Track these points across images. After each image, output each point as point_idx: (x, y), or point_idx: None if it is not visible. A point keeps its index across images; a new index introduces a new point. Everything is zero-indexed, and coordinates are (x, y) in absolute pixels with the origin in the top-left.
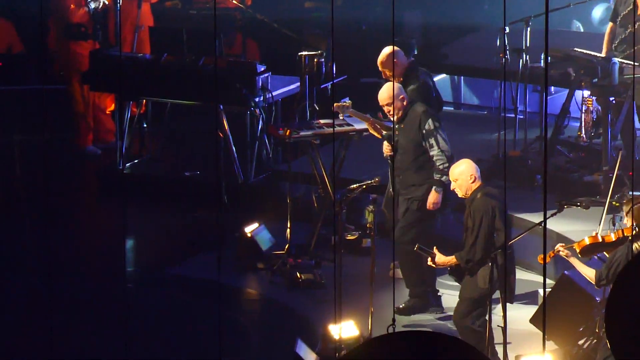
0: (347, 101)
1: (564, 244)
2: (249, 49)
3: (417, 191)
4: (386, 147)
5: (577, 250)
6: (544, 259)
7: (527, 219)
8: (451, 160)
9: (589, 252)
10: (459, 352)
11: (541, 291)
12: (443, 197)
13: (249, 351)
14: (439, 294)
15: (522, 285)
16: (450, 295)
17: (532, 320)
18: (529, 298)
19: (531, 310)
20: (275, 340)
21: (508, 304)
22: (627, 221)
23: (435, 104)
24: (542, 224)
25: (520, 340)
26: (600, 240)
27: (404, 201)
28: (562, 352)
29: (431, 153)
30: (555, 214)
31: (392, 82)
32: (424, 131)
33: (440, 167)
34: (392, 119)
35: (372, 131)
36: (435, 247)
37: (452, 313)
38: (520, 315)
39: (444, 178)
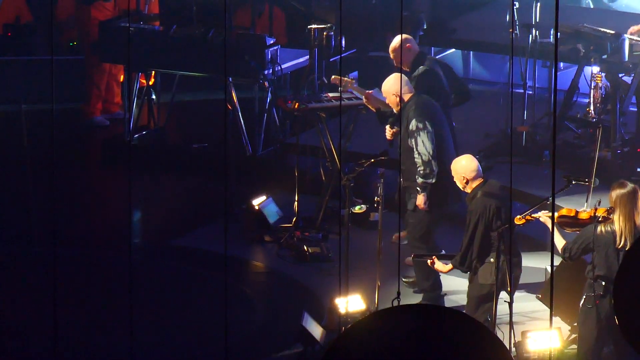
0: (351, 78)
1: (547, 211)
2: (277, 17)
3: (416, 185)
4: (388, 131)
5: (555, 219)
6: (552, 218)
7: (535, 194)
8: (429, 164)
9: (564, 224)
10: (462, 324)
11: (548, 268)
12: (443, 195)
13: (255, 324)
14: (442, 293)
15: (529, 262)
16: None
17: (539, 296)
18: (535, 275)
19: (537, 286)
20: (282, 313)
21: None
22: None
23: (444, 93)
24: (550, 200)
25: (526, 317)
26: (574, 214)
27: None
28: (568, 328)
29: (414, 153)
30: (562, 189)
31: (394, 74)
32: (408, 130)
33: (419, 169)
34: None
35: (367, 102)
36: (435, 257)
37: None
38: (526, 291)
39: (420, 180)
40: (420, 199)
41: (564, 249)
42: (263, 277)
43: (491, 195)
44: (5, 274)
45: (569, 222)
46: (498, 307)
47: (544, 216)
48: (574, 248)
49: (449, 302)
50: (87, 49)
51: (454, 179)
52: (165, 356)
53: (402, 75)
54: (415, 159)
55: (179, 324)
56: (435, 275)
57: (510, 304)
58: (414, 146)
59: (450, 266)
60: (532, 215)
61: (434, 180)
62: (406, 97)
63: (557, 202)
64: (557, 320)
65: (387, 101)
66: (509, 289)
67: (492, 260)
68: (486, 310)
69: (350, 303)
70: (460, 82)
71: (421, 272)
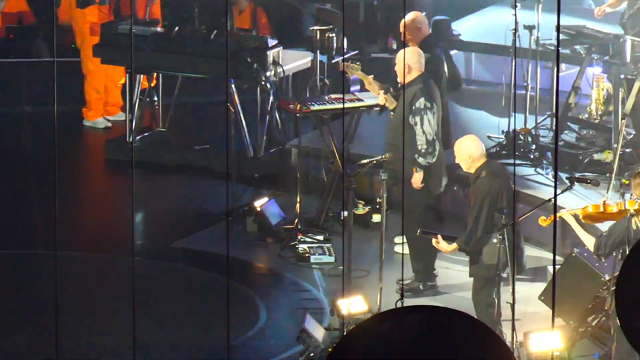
0: (357, 64)
1: (570, 209)
2: (259, 18)
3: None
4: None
5: (581, 217)
6: (554, 220)
7: (537, 195)
8: (432, 143)
9: (591, 220)
10: (467, 325)
11: (550, 268)
12: (434, 177)
13: (258, 325)
14: (434, 272)
15: (531, 262)
16: (459, 272)
17: (542, 297)
18: (538, 275)
19: (540, 287)
20: (284, 315)
21: (517, 281)
22: (635, 194)
23: (445, 81)
24: (552, 201)
25: (529, 317)
26: (602, 209)
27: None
28: (570, 328)
29: (415, 130)
30: (565, 190)
31: (414, 47)
32: (413, 107)
33: (419, 147)
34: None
35: (369, 87)
36: (440, 235)
37: (448, 291)
38: (529, 292)
39: (420, 159)
40: (417, 177)
41: (598, 246)
42: (265, 279)
43: (496, 174)
44: (7, 276)
45: (597, 217)
46: (501, 295)
47: (567, 214)
48: (609, 244)
49: (452, 298)
50: (83, 52)
51: (457, 160)
52: (167, 357)
53: (419, 50)
54: (418, 137)
55: (181, 325)
56: (428, 257)
57: (513, 305)
58: (419, 124)
59: (454, 246)
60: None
61: (434, 160)
62: (415, 72)
63: (561, 204)
64: (559, 321)
65: (396, 68)
66: (513, 275)
67: (495, 240)
68: (491, 290)
69: (353, 304)
70: (456, 70)
71: (415, 253)
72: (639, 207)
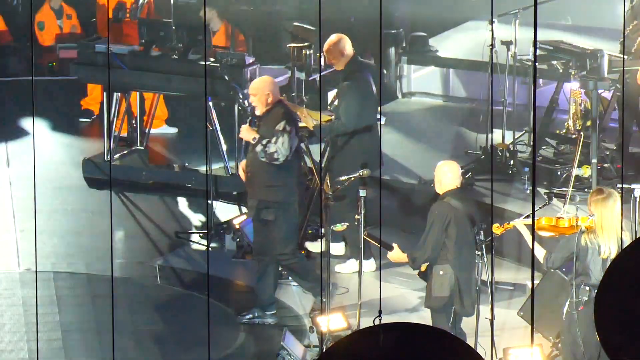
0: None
1: (523, 219)
2: (235, 38)
3: (270, 194)
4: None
5: (536, 226)
6: (534, 237)
7: (515, 210)
8: (279, 163)
9: (542, 229)
10: (445, 343)
11: (529, 284)
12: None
13: (237, 343)
14: (273, 312)
15: (509, 278)
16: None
17: (520, 313)
18: (516, 291)
19: (519, 302)
20: (263, 332)
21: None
22: (590, 210)
23: (373, 97)
24: (531, 216)
25: (508, 333)
26: (554, 223)
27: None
28: (549, 344)
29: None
30: (543, 206)
31: (265, 76)
32: (275, 128)
33: (271, 153)
34: (255, 109)
35: (304, 121)
36: (394, 244)
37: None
38: (508, 307)
39: (258, 148)
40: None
41: (547, 259)
42: (244, 296)
43: (453, 204)
44: None
45: (550, 230)
46: (479, 323)
47: (520, 223)
48: (557, 258)
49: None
50: None
51: (436, 182)
52: None
53: (271, 79)
54: (274, 148)
55: (161, 343)
56: (272, 291)
57: (492, 320)
58: (276, 139)
59: (404, 256)
60: (510, 222)
61: (265, 160)
62: (273, 98)
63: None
64: (538, 336)
65: (255, 98)
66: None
67: (441, 272)
68: (445, 322)
69: (332, 321)
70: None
71: (265, 284)
72: (590, 224)
